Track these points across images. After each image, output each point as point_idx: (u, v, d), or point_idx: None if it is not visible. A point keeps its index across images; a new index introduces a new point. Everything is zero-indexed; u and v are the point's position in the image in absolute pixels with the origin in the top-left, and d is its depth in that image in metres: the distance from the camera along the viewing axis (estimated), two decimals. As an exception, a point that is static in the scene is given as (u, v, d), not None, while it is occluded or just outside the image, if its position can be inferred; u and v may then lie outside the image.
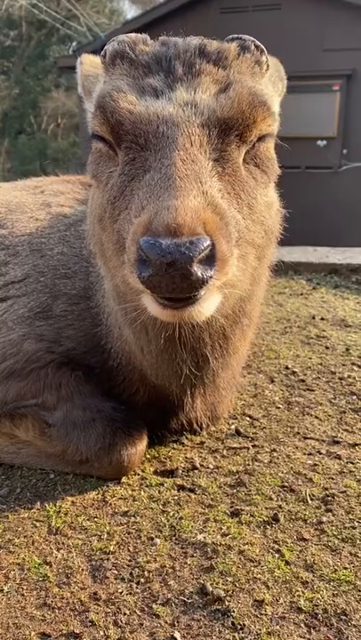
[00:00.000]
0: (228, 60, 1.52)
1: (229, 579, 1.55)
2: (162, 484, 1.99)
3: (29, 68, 25.32)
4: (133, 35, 1.61)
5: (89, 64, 2.00)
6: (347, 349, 3.30)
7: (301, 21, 9.45)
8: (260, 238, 1.62)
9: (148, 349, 1.85)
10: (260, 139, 1.54)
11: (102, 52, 1.64)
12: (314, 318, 3.97)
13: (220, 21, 9.94)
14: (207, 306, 1.33)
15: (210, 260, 1.23)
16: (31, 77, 25.26)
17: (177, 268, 1.17)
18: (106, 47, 1.62)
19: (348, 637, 1.38)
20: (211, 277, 1.23)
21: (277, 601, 1.48)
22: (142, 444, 2.03)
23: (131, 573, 1.59)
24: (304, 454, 2.18)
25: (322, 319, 3.95)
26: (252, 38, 1.60)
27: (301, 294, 4.77)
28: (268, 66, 1.63)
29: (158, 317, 1.39)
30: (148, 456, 2.15)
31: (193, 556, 1.64)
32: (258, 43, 1.60)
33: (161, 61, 1.50)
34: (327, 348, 3.34)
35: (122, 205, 1.46)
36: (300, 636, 1.38)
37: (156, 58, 1.52)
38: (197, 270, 1.19)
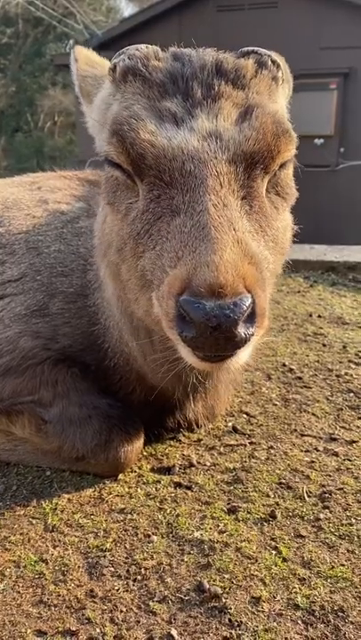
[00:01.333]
0: (246, 79, 1.48)
1: (226, 576, 1.55)
2: (159, 482, 1.98)
3: (26, 66, 25.24)
4: (144, 47, 1.54)
5: (84, 61, 1.95)
6: (344, 347, 3.30)
7: (298, 19, 9.45)
8: (281, 264, 1.61)
9: (152, 359, 1.85)
10: (282, 166, 1.50)
11: (111, 66, 1.57)
12: (311, 316, 3.97)
13: (217, 19, 9.93)
14: (244, 356, 1.31)
15: (251, 317, 1.21)
16: (28, 75, 25.19)
17: (222, 331, 1.16)
18: (115, 61, 1.56)
19: (345, 634, 1.38)
20: (253, 334, 1.22)
21: (274, 598, 1.48)
22: (139, 441, 2.02)
23: (127, 571, 1.58)
24: (301, 451, 2.18)
25: (319, 317, 3.95)
26: (268, 52, 1.56)
27: (299, 292, 4.76)
28: (283, 80, 1.59)
29: (194, 366, 1.36)
30: (144, 453, 2.14)
31: (190, 554, 1.63)
32: (274, 57, 1.56)
33: (177, 81, 1.45)
34: (324, 345, 3.34)
35: (147, 244, 1.41)
36: (298, 633, 1.38)
37: (172, 76, 1.46)
38: (241, 331, 1.18)
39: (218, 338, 1.17)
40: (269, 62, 1.54)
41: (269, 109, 1.44)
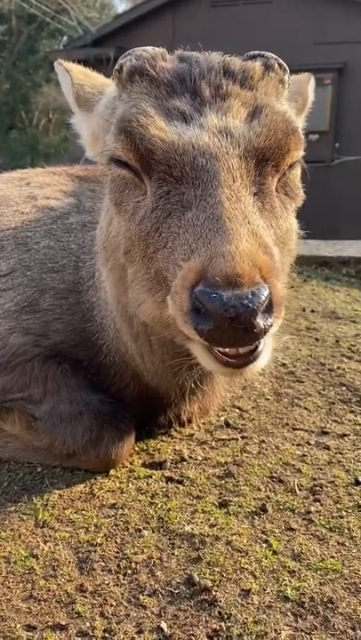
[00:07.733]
0: (254, 81, 1.48)
1: (217, 569, 1.55)
2: (150, 477, 1.98)
3: (20, 63, 25.11)
4: (151, 49, 1.53)
5: (78, 72, 1.93)
6: (337, 341, 3.30)
7: (292, 15, 9.42)
8: (289, 265, 1.61)
9: (150, 360, 1.86)
10: (290, 166, 1.49)
11: (117, 67, 1.56)
12: (304, 310, 3.97)
13: (211, 15, 9.89)
14: (264, 357, 1.28)
15: (268, 307, 1.18)
16: (22, 72, 25.06)
17: (240, 322, 1.12)
18: (122, 62, 1.54)
19: (334, 625, 1.38)
20: (271, 325, 1.18)
21: (264, 590, 1.48)
22: (130, 438, 2.02)
23: (118, 565, 1.58)
24: (293, 445, 2.19)
25: (312, 311, 3.96)
26: (275, 56, 1.56)
27: (292, 287, 4.76)
28: (289, 84, 1.59)
29: (213, 372, 1.33)
30: (136, 448, 2.14)
31: (180, 547, 1.64)
32: (281, 61, 1.56)
33: (185, 81, 1.44)
34: (317, 339, 3.34)
35: (158, 243, 1.38)
36: (287, 625, 1.38)
37: (179, 76, 1.45)
38: (260, 321, 1.14)
39: (236, 329, 1.13)
40: (276, 65, 1.53)
41: (278, 109, 1.45)
